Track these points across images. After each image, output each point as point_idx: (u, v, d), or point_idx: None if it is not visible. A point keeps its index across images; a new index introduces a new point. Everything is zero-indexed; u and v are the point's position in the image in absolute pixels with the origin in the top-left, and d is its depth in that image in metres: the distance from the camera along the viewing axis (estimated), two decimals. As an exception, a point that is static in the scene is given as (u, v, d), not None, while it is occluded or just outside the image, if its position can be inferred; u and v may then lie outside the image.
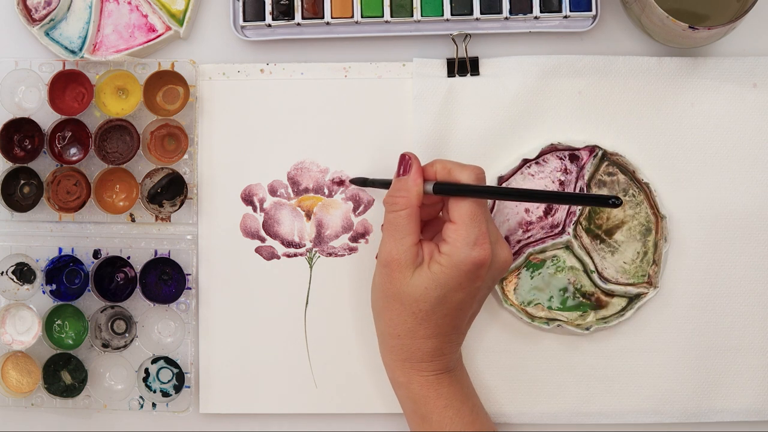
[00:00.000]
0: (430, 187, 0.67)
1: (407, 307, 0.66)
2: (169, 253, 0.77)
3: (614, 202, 0.60)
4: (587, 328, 0.75)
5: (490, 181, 0.76)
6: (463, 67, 0.77)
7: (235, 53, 0.78)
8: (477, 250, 0.65)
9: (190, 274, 0.77)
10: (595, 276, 0.75)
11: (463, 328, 0.70)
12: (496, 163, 0.77)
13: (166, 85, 0.78)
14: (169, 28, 0.77)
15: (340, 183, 0.77)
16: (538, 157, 0.76)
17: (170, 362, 0.77)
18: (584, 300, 0.76)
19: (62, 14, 0.77)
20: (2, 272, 0.77)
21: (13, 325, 0.77)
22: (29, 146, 0.77)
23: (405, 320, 0.67)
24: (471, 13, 0.76)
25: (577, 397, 0.77)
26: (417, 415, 0.69)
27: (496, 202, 0.76)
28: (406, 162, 0.69)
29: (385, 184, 0.72)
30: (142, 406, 0.77)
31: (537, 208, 0.76)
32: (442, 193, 0.67)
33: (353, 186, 0.77)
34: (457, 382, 0.69)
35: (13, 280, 0.77)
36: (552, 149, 0.76)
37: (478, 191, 0.66)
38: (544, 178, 0.76)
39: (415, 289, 0.66)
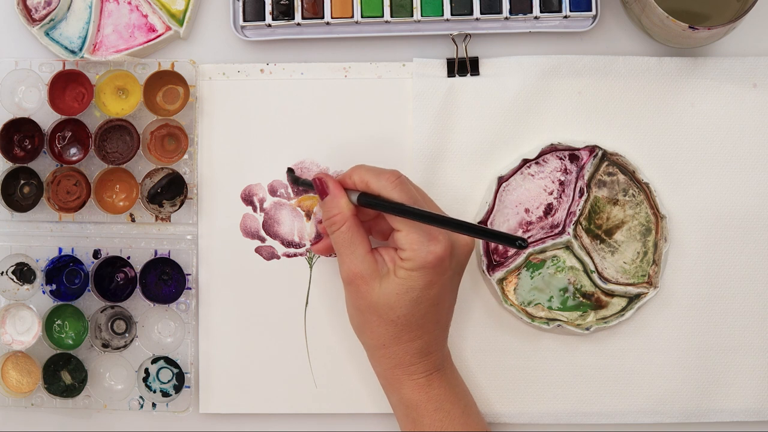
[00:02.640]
0: (354, 198, 0.68)
1: (384, 317, 0.67)
2: (169, 253, 0.77)
3: (520, 244, 0.61)
4: (587, 328, 0.75)
5: (490, 181, 0.76)
6: (463, 67, 0.77)
7: (235, 53, 0.78)
8: (434, 245, 0.65)
9: (190, 274, 0.77)
10: (595, 276, 0.75)
11: (444, 321, 0.70)
12: (496, 163, 0.77)
13: (166, 85, 0.78)
14: (169, 28, 0.77)
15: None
16: (538, 157, 0.76)
17: (170, 362, 0.77)
18: (584, 300, 0.76)
19: (62, 14, 0.77)
20: (2, 272, 0.77)
21: (13, 325, 0.77)
22: (29, 146, 0.77)
23: (387, 329, 0.67)
24: (471, 13, 0.76)
25: (577, 397, 0.77)
26: (409, 419, 0.69)
27: (496, 201, 0.76)
28: (321, 184, 0.70)
29: (307, 183, 0.74)
30: (142, 406, 0.77)
31: (537, 208, 0.76)
32: (365, 206, 0.68)
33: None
34: (447, 383, 0.69)
35: (13, 280, 0.77)
36: (552, 149, 0.76)
37: (393, 208, 0.66)
38: (544, 178, 0.76)
39: (388, 298, 0.66)
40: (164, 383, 0.77)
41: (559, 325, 0.75)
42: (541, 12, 0.76)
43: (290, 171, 0.76)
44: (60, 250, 0.77)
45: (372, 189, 0.67)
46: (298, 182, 0.76)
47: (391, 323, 0.67)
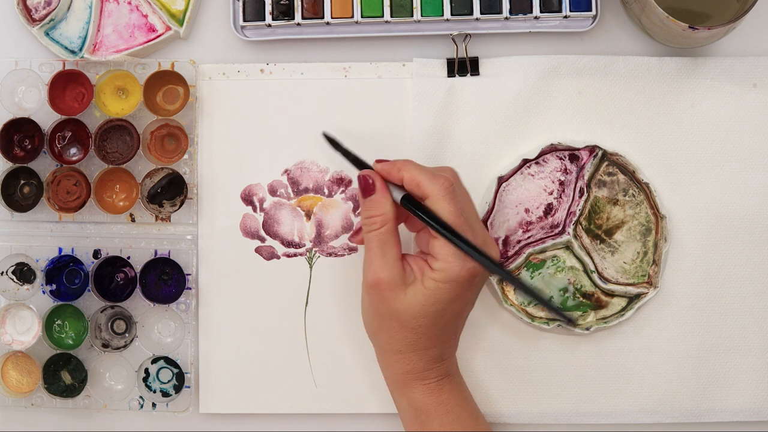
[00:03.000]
0: (398, 196, 0.67)
1: (405, 324, 0.66)
2: (169, 253, 0.77)
3: (570, 320, 0.64)
4: (587, 328, 0.75)
5: (490, 181, 0.76)
6: (463, 67, 0.77)
7: (235, 53, 0.78)
8: (470, 261, 0.64)
9: (190, 274, 0.77)
10: (595, 276, 0.75)
11: (460, 330, 0.70)
12: (496, 163, 0.77)
13: (166, 85, 0.78)
14: (169, 28, 0.77)
15: (340, 181, 0.77)
16: (538, 157, 0.76)
17: (170, 362, 0.77)
18: (584, 300, 0.76)
19: (62, 14, 0.77)
20: (2, 272, 0.77)
21: (13, 325, 0.77)
22: (29, 146, 0.77)
23: (405, 336, 0.67)
24: (471, 13, 0.76)
25: (577, 397, 0.77)
26: (418, 422, 0.68)
27: (496, 201, 0.76)
28: (366, 182, 0.67)
29: (357, 161, 0.69)
30: (142, 406, 0.77)
31: (537, 208, 0.76)
32: (407, 209, 0.66)
33: (353, 186, 0.77)
34: (456, 387, 0.69)
35: (13, 280, 0.77)
36: (552, 149, 0.76)
37: (436, 225, 0.64)
38: (544, 178, 0.76)
39: (412, 307, 0.65)
40: (164, 383, 0.77)
41: (559, 325, 0.75)
42: (541, 12, 0.76)
43: (334, 142, 0.71)
44: (60, 250, 0.77)
45: (423, 191, 0.65)
46: (339, 148, 0.70)
47: (411, 331, 0.66)
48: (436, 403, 0.68)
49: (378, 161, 0.69)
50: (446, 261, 0.64)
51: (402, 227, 0.71)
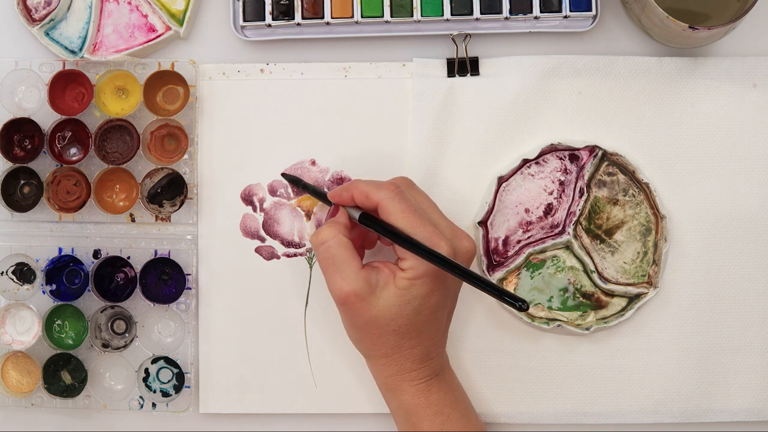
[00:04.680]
0: (356, 215, 0.68)
1: (385, 327, 0.66)
2: (169, 253, 0.77)
3: (521, 306, 0.60)
4: (587, 328, 0.75)
5: (490, 181, 0.76)
6: (463, 67, 0.77)
7: (235, 53, 0.78)
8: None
9: (190, 274, 0.77)
10: (595, 276, 0.75)
11: (444, 326, 0.70)
12: (496, 163, 0.77)
13: (166, 85, 0.78)
14: (169, 28, 0.77)
15: (340, 181, 0.77)
16: (538, 157, 0.76)
17: (170, 362, 0.77)
18: (584, 300, 0.76)
19: (62, 14, 0.77)
20: (2, 272, 0.77)
21: (13, 325, 0.77)
22: (29, 146, 0.77)
23: (388, 339, 0.67)
24: (471, 13, 0.76)
25: (577, 397, 0.77)
26: (408, 423, 0.69)
27: (496, 201, 0.76)
28: (335, 210, 0.70)
29: (316, 193, 0.73)
30: (142, 406, 0.77)
31: (537, 208, 0.76)
32: (366, 225, 0.67)
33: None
34: (446, 387, 0.69)
35: (13, 280, 0.77)
36: (552, 149, 0.76)
37: (391, 234, 0.65)
38: (544, 179, 0.76)
39: (389, 310, 0.66)
40: (164, 383, 0.77)
41: (559, 325, 0.75)
42: (541, 12, 0.76)
43: (294, 178, 0.76)
44: (60, 250, 0.77)
45: (372, 200, 0.67)
46: (299, 184, 0.75)
47: (393, 333, 0.66)
48: (425, 404, 0.68)
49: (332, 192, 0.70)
50: (413, 258, 0.65)
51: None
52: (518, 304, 0.60)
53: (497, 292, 0.62)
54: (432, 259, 0.64)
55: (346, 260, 0.66)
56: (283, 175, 0.77)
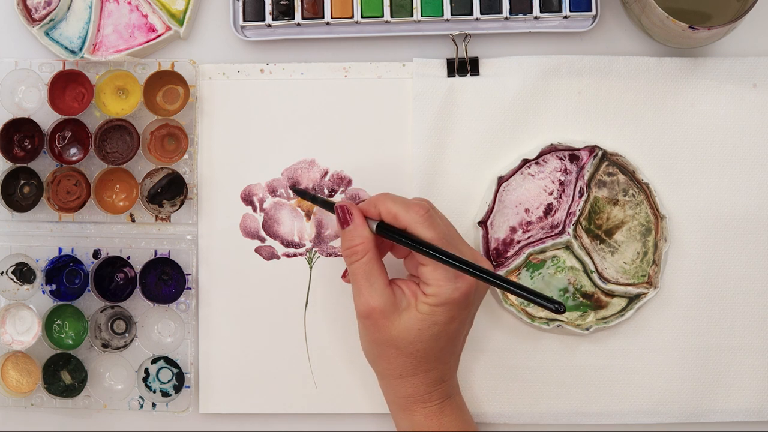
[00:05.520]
0: (373, 226, 0.67)
1: (403, 350, 0.66)
2: (169, 253, 0.77)
3: (557, 308, 0.59)
4: (587, 329, 0.75)
5: (490, 181, 0.76)
6: (463, 67, 0.77)
7: (235, 53, 0.78)
8: (461, 282, 0.64)
9: (190, 274, 0.77)
10: (595, 276, 0.75)
11: (459, 350, 0.70)
12: (496, 163, 0.77)
13: (166, 85, 0.78)
14: (169, 28, 0.77)
15: (340, 181, 0.77)
16: (538, 157, 0.76)
17: (170, 362, 0.77)
18: (584, 300, 0.76)
19: (62, 14, 0.77)
20: (2, 272, 0.77)
21: (13, 325, 0.77)
22: (29, 146, 0.77)
23: (405, 361, 0.67)
24: (471, 13, 0.76)
25: (577, 397, 0.77)
26: None
27: (496, 201, 0.76)
28: (344, 212, 0.68)
29: (326, 204, 0.71)
30: (142, 406, 0.77)
31: (537, 208, 0.76)
32: (385, 236, 0.66)
33: (353, 186, 0.77)
34: (458, 410, 0.69)
35: (13, 280, 0.77)
36: (552, 149, 0.76)
37: (417, 244, 0.64)
38: (544, 179, 0.76)
39: (408, 333, 0.65)
40: (164, 383, 0.77)
41: (559, 325, 0.75)
42: (541, 12, 0.76)
43: (302, 191, 0.75)
44: (60, 250, 0.77)
45: (400, 222, 0.65)
46: (316, 201, 0.73)
47: (410, 356, 0.66)
48: (437, 426, 0.68)
49: (357, 203, 0.69)
50: (437, 285, 0.64)
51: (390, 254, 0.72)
52: (554, 306, 0.60)
53: (532, 295, 0.61)
54: (461, 268, 0.62)
55: (378, 274, 0.66)
56: (292, 188, 0.76)
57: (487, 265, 0.67)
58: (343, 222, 0.68)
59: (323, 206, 0.72)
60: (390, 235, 0.66)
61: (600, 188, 0.76)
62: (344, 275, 0.71)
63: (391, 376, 0.68)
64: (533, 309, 0.76)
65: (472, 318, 0.69)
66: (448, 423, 0.68)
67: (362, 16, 0.76)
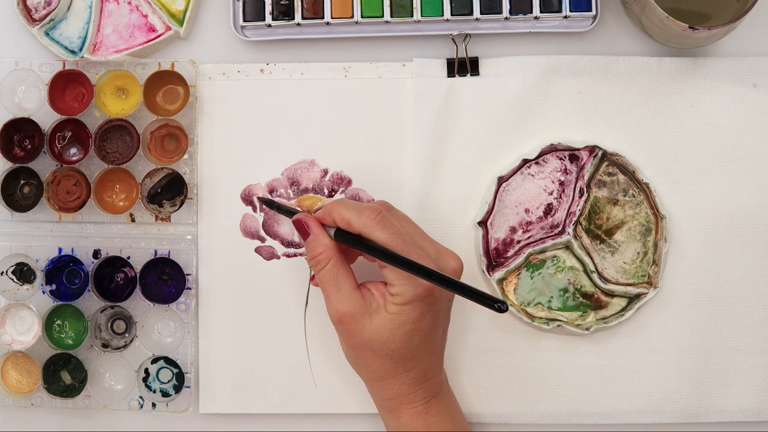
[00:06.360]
0: (332, 233, 0.68)
1: (379, 352, 0.66)
2: (169, 253, 0.77)
3: (500, 307, 0.59)
4: (587, 329, 0.75)
5: (490, 181, 0.76)
6: (463, 67, 0.77)
7: (235, 53, 0.78)
8: (421, 278, 0.64)
9: (190, 274, 0.77)
10: (595, 276, 0.75)
11: (439, 347, 0.70)
12: (496, 163, 0.77)
13: (166, 85, 0.78)
14: (169, 28, 0.77)
15: (340, 181, 0.77)
16: (538, 157, 0.76)
17: (170, 362, 0.77)
18: (584, 300, 0.76)
19: (62, 14, 0.77)
20: (2, 272, 0.77)
21: (13, 325, 0.77)
22: (29, 146, 0.77)
23: (383, 363, 0.67)
24: (471, 13, 0.76)
25: (577, 397, 0.77)
26: None
27: (496, 201, 0.76)
28: (301, 225, 0.69)
29: (290, 212, 0.72)
30: (142, 406, 0.77)
31: (537, 208, 0.76)
32: (342, 242, 0.67)
33: (353, 186, 0.77)
34: (445, 409, 0.69)
35: (13, 280, 0.77)
36: (552, 149, 0.76)
37: (370, 248, 0.65)
38: (544, 179, 0.76)
39: (380, 334, 0.66)
40: (164, 383, 0.77)
41: (559, 325, 0.75)
42: (541, 12, 0.76)
43: (268, 201, 0.75)
44: (60, 250, 0.77)
45: (354, 227, 0.66)
46: (273, 206, 0.75)
47: (387, 357, 0.67)
48: (424, 426, 0.68)
49: (312, 211, 0.70)
50: (400, 284, 0.65)
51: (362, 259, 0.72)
52: (497, 305, 0.59)
53: (474, 294, 0.61)
54: (409, 269, 0.63)
55: (344, 279, 0.67)
56: (260, 198, 0.77)
57: (452, 259, 0.67)
58: (303, 234, 0.69)
59: (288, 216, 0.73)
60: (346, 241, 0.67)
61: (600, 188, 0.76)
62: (312, 278, 0.74)
63: (373, 379, 0.68)
64: (533, 309, 0.76)
65: (446, 312, 0.69)
66: (434, 423, 0.68)
67: (362, 16, 0.76)
